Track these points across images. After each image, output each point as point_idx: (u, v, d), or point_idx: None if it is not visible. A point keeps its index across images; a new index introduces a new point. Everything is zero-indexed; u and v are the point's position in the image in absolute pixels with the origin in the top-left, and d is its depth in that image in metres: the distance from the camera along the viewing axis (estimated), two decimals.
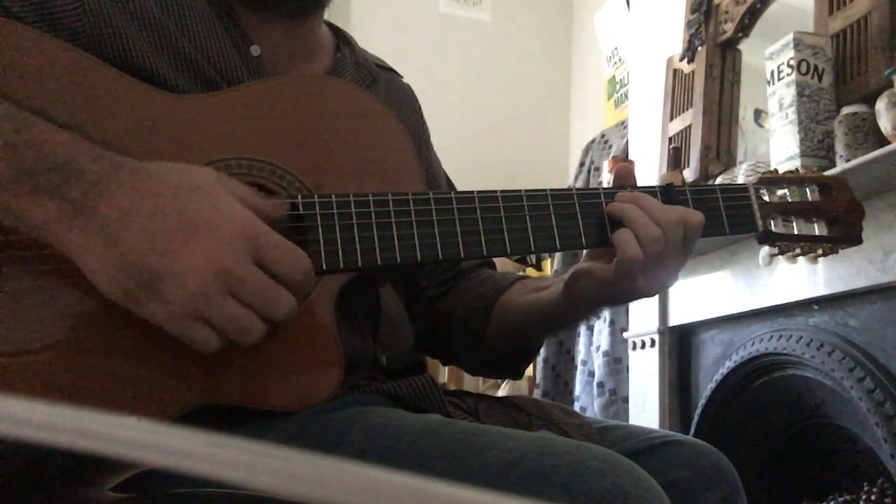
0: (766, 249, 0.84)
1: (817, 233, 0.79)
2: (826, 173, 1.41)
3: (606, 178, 2.34)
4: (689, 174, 2.03)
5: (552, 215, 0.71)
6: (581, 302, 0.77)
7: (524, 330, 0.85)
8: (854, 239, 0.79)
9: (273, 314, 0.56)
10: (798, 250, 0.79)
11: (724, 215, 0.76)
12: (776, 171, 0.83)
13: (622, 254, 0.69)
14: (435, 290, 0.90)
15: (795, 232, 0.79)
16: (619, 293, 0.74)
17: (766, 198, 0.79)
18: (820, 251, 0.79)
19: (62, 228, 0.53)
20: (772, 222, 0.78)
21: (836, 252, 0.80)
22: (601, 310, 0.84)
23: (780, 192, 0.80)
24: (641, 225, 0.70)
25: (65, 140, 0.55)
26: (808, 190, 0.80)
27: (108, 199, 0.54)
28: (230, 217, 0.56)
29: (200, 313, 0.54)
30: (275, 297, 0.56)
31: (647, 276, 0.71)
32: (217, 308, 0.54)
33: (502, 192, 0.70)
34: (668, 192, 0.75)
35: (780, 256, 0.79)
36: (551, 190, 0.72)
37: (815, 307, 1.64)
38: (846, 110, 1.50)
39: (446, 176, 0.97)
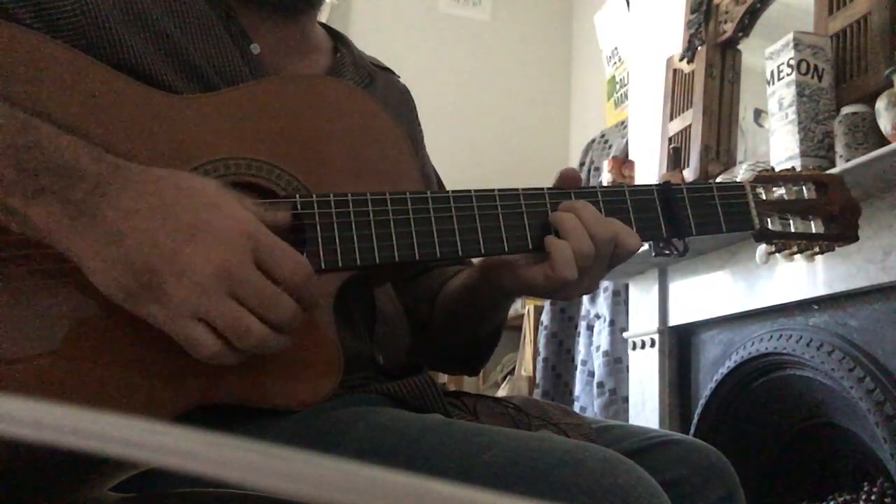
0: (762, 247, 0.85)
1: (814, 230, 0.79)
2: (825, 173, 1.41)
3: (606, 178, 2.34)
4: (688, 174, 2.03)
5: (549, 213, 0.71)
6: (496, 289, 0.77)
7: (457, 317, 0.84)
8: (850, 237, 0.80)
9: (272, 316, 0.56)
10: (795, 248, 0.79)
11: (721, 213, 0.76)
12: (773, 169, 0.83)
13: (557, 272, 0.68)
14: (402, 283, 0.89)
15: (792, 230, 0.79)
16: (539, 295, 0.74)
17: (763, 196, 0.79)
18: (817, 249, 0.79)
19: (65, 230, 0.53)
20: (768, 220, 0.78)
21: (833, 250, 0.80)
22: (515, 298, 0.84)
23: (776, 190, 0.80)
24: (577, 237, 0.68)
25: (66, 143, 0.55)
26: (804, 188, 0.80)
27: (110, 200, 0.54)
28: (232, 218, 0.56)
29: (200, 313, 0.53)
30: (274, 299, 0.56)
31: (569, 288, 0.70)
32: (216, 307, 0.54)
33: (499, 190, 0.70)
34: (665, 191, 0.75)
35: (777, 254, 0.80)
36: (548, 188, 0.72)
37: (815, 307, 1.64)
38: (846, 110, 1.50)
39: (438, 177, 0.97)
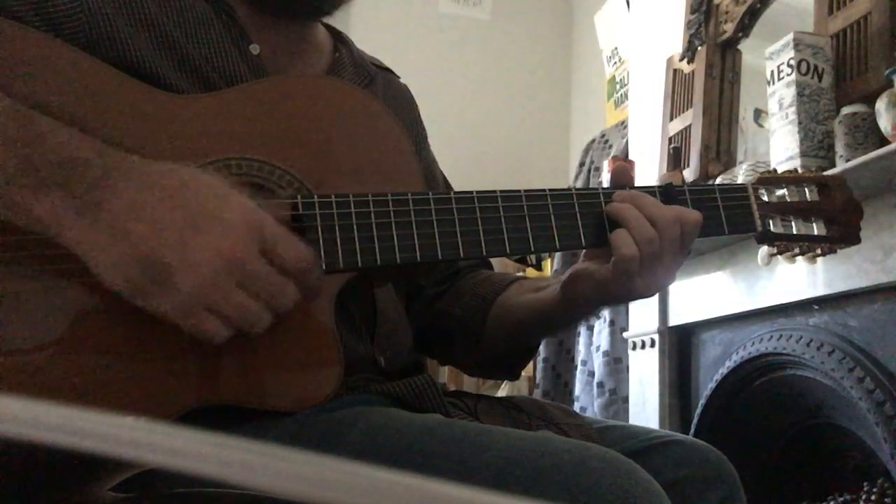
0: (764, 249, 0.84)
1: (816, 232, 0.79)
2: (826, 173, 1.42)
3: (606, 179, 2.34)
4: (689, 174, 2.03)
5: (551, 215, 0.71)
6: (578, 302, 0.77)
7: (522, 330, 0.85)
8: (852, 238, 0.79)
9: (279, 306, 0.56)
10: (797, 250, 0.79)
11: (723, 215, 0.76)
12: (775, 171, 0.83)
13: (618, 253, 0.69)
14: (433, 289, 0.90)
15: (794, 232, 0.79)
16: (616, 294, 0.73)
17: (765, 198, 0.79)
18: (818, 251, 0.79)
19: (69, 223, 0.53)
20: (770, 222, 0.78)
21: (835, 252, 0.80)
22: (599, 310, 0.84)
23: (778, 192, 0.80)
24: (637, 225, 0.69)
25: (69, 136, 0.55)
26: (806, 190, 0.80)
27: (115, 192, 0.54)
28: (237, 208, 0.56)
29: (209, 304, 0.54)
30: (281, 289, 0.56)
31: (644, 277, 0.71)
32: (226, 298, 0.54)
33: (501, 192, 0.70)
34: (667, 192, 0.75)
35: (778, 256, 0.79)
36: (550, 190, 0.72)
37: (815, 307, 1.64)
38: (846, 110, 1.50)
39: (443, 176, 0.97)
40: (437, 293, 0.90)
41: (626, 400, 2.29)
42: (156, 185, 0.55)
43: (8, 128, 0.53)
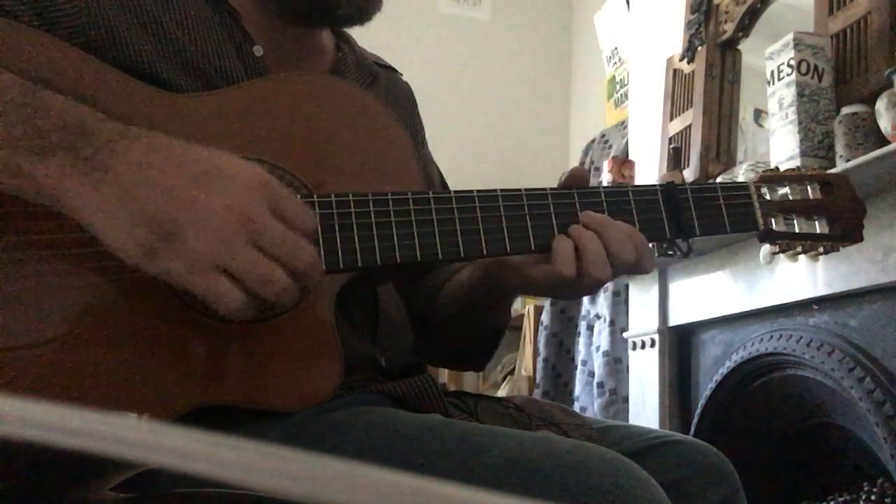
0: (767, 247, 0.84)
1: (818, 231, 0.79)
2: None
3: (607, 178, 2.34)
4: (689, 174, 2.03)
5: (552, 214, 0.71)
6: (496, 287, 0.77)
7: (458, 314, 0.84)
8: (855, 237, 0.79)
9: (296, 264, 0.55)
10: (799, 248, 0.79)
11: (725, 213, 0.76)
12: (777, 168, 0.83)
13: (556, 268, 0.69)
14: (409, 280, 0.89)
15: (796, 230, 0.78)
16: (535, 290, 0.75)
17: (767, 196, 0.78)
18: (821, 249, 0.79)
19: (73, 187, 0.52)
20: (773, 220, 0.78)
21: (838, 250, 0.80)
22: (515, 296, 0.84)
23: (781, 190, 0.79)
24: (595, 263, 0.69)
25: (74, 104, 0.55)
26: (809, 188, 0.80)
27: (121, 155, 0.53)
28: (244, 168, 0.56)
29: (222, 262, 0.53)
30: (295, 246, 0.55)
31: (575, 289, 0.71)
32: (239, 255, 0.53)
33: (502, 191, 0.70)
34: (669, 191, 0.75)
35: (781, 255, 0.79)
36: (551, 189, 0.72)
37: (815, 307, 1.64)
38: (846, 110, 1.50)
39: (440, 176, 0.97)
40: (410, 284, 0.89)
41: (626, 400, 2.29)
42: (162, 148, 0.55)
43: (14, 96, 0.53)
